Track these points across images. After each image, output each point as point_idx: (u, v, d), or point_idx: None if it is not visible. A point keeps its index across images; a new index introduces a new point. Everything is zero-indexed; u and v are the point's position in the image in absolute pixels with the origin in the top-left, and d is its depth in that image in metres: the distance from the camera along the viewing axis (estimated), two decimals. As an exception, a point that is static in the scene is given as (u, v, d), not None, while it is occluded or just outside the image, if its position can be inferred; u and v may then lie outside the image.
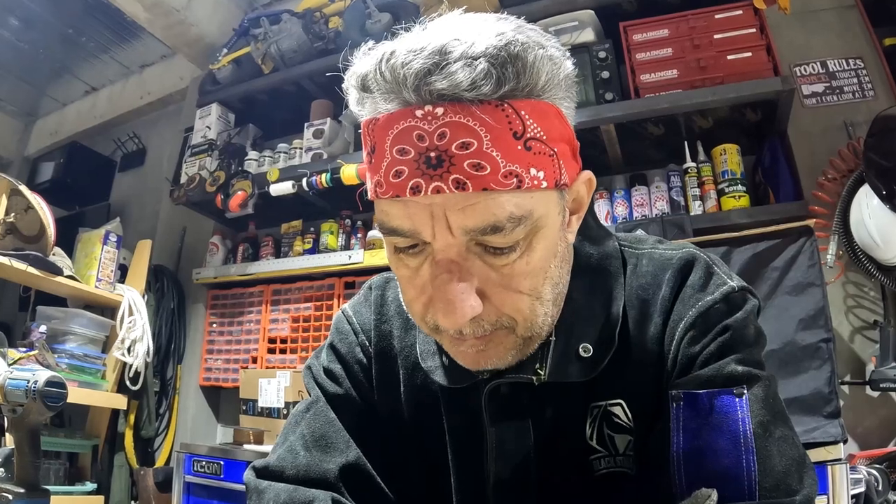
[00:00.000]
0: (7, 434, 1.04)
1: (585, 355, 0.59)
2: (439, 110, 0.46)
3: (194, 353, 2.68)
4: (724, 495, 0.49)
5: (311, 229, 2.55)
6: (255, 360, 2.49)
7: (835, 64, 2.02)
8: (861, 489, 1.36)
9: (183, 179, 2.65)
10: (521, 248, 0.51)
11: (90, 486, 2.25)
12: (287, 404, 2.18)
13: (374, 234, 2.31)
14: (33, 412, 0.98)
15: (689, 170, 1.98)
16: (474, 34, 0.47)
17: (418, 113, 0.47)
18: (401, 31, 0.51)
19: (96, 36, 3.26)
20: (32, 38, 3.20)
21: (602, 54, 2.00)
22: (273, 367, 2.39)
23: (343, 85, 0.52)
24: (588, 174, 0.58)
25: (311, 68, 2.50)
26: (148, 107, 3.48)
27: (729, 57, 1.86)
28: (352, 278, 2.38)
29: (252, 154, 2.63)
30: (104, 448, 2.37)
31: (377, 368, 0.70)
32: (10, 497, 0.97)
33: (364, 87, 0.50)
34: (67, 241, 2.40)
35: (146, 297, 2.51)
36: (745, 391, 0.53)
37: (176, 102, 3.33)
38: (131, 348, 2.34)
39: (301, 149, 2.52)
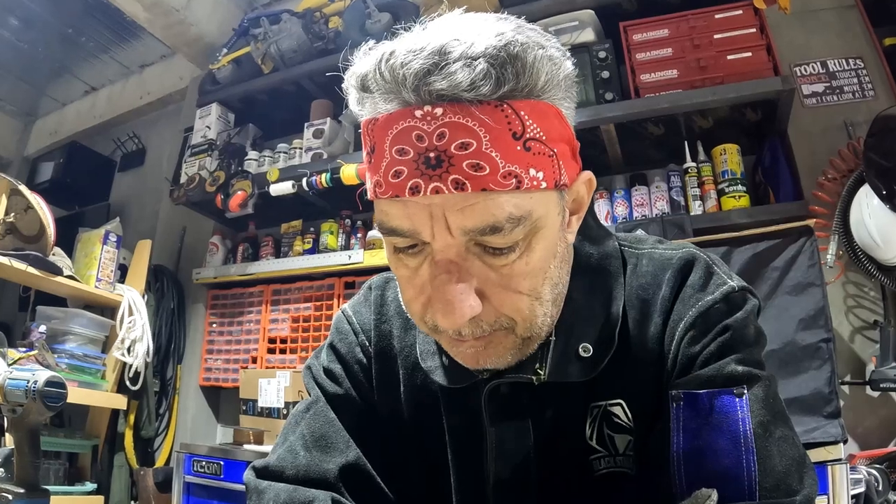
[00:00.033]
0: (7, 434, 1.04)
1: (585, 355, 0.59)
2: (439, 110, 0.46)
3: (194, 353, 2.68)
4: (725, 495, 0.49)
5: (311, 229, 2.55)
6: (254, 360, 2.49)
7: (835, 64, 2.02)
8: (861, 489, 1.36)
9: (183, 179, 2.65)
10: (521, 249, 0.51)
11: (90, 486, 2.24)
12: (287, 404, 2.18)
13: (374, 234, 2.31)
14: (33, 412, 0.98)
15: (689, 170, 1.98)
16: (474, 34, 0.47)
17: (418, 113, 0.47)
18: (401, 30, 0.51)
19: (96, 36, 3.26)
20: (32, 38, 3.20)
21: (602, 54, 2.00)
22: (273, 367, 2.39)
23: (343, 85, 0.52)
24: (588, 174, 0.58)
25: (311, 68, 2.50)
26: (148, 107, 3.48)
27: (729, 57, 1.86)
28: (352, 278, 2.38)
29: (252, 154, 2.63)
30: (104, 448, 2.37)
31: (377, 368, 0.70)
32: (10, 497, 0.97)
33: (364, 87, 0.50)
34: (67, 241, 2.40)
35: (146, 297, 2.51)
36: (746, 391, 0.53)
37: (176, 102, 3.33)
38: (131, 348, 2.34)
39: (301, 149, 2.52)
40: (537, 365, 0.58)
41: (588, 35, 2.05)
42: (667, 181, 2.01)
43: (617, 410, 0.60)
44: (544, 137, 0.49)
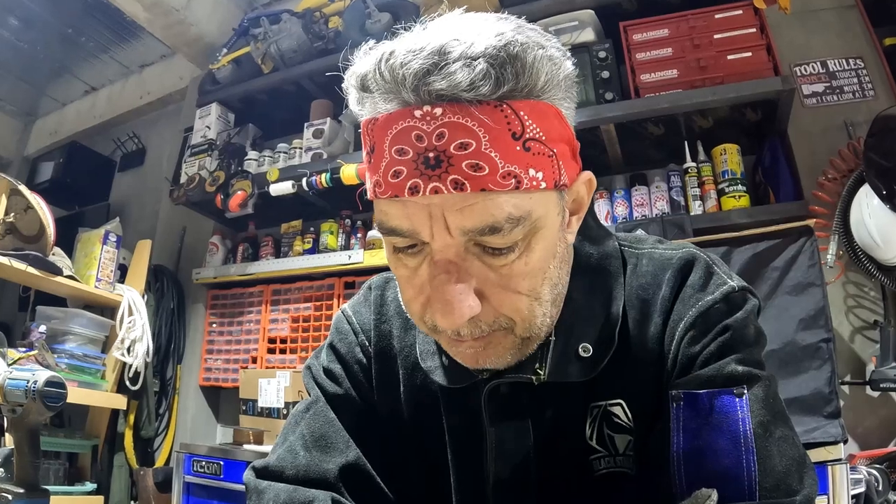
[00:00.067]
0: (7, 434, 1.04)
1: (585, 355, 0.59)
2: (438, 111, 0.46)
3: (194, 353, 2.68)
4: (725, 495, 0.49)
5: (311, 229, 2.55)
6: (254, 360, 2.49)
7: (835, 64, 2.02)
8: (861, 489, 1.36)
9: (183, 179, 2.65)
10: (520, 249, 0.51)
11: (90, 486, 2.24)
12: (287, 404, 2.18)
13: (374, 233, 2.31)
14: (33, 412, 0.98)
15: (689, 170, 1.98)
16: (474, 34, 0.47)
17: (417, 113, 0.47)
18: (401, 30, 0.51)
19: (96, 36, 3.26)
20: (32, 38, 3.20)
21: (602, 54, 2.00)
22: (273, 367, 2.39)
23: (343, 85, 0.52)
24: (588, 175, 0.57)
25: (311, 68, 2.50)
26: (147, 107, 3.48)
27: (729, 57, 1.86)
28: (352, 278, 2.38)
29: (252, 154, 2.63)
30: (104, 448, 2.37)
31: (377, 368, 0.70)
32: (10, 497, 0.97)
33: (364, 87, 0.50)
34: (67, 241, 2.40)
35: (146, 297, 2.51)
36: (746, 391, 0.53)
37: (175, 102, 3.33)
38: (131, 348, 2.34)
39: (301, 149, 2.52)
40: (537, 365, 0.58)
41: (588, 35, 2.05)
42: (667, 181, 2.01)
43: (617, 410, 0.60)
44: (544, 138, 0.49)
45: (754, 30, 1.87)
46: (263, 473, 0.64)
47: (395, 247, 0.53)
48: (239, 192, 2.38)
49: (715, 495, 0.48)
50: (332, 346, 0.72)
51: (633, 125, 1.97)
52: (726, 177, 1.91)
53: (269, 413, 2.22)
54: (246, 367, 2.45)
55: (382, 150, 0.49)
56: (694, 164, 1.98)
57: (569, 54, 0.53)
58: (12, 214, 2.13)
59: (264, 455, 0.67)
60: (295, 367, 2.32)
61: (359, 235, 2.41)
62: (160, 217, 3.03)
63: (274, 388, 2.22)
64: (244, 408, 2.31)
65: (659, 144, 2.08)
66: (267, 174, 2.39)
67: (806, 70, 2.04)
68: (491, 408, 0.61)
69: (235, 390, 2.44)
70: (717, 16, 1.91)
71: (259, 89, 2.68)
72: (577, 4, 2.08)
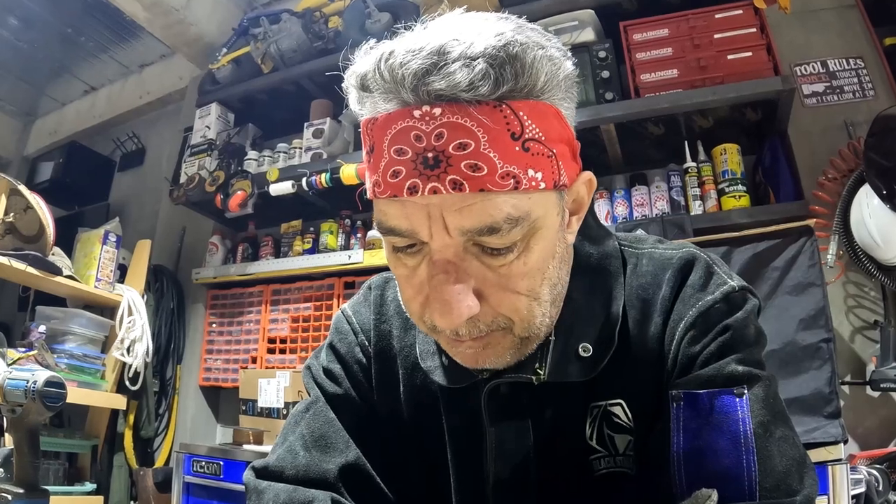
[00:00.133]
0: (6, 434, 1.04)
1: (585, 355, 0.59)
2: (437, 111, 0.46)
3: (194, 353, 2.68)
4: (725, 495, 0.49)
5: (311, 229, 2.55)
6: (254, 361, 2.49)
7: (835, 63, 2.02)
8: (861, 489, 1.36)
9: (182, 179, 2.65)
10: (519, 249, 0.50)
11: (89, 486, 2.24)
12: (287, 404, 2.18)
13: (374, 233, 2.30)
14: (32, 412, 0.98)
15: (689, 169, 1.98)
16: (474, 34, 0.47)
17: (416, 113, 0.46)
18: (401, 30, 0.51)
19: (95, 35, 3.25)
20: (32, 38, 3.20)
21: (602, 54, 2.00)
22: (273, 368, 2.39)
23: (343, 84, 0.52)
24: (588, 175, 0.57)
25: (311, 68, 2.50)
26: (147, 106, 3.48)
27: (729, 56, 1.86)
28: (351, 278, 2.38)
29: (252, 154, 2.63)
30: (103, 448, 2.37)
31: (377, 368, 0.70)
32: (10, 497, 0.97)
33: (364, 87, 0.50)
34: (67, 241, 2.40)
35: (145, 296, 2.51)
36: (746, 391, 0.53)
37: (175, 102, 3.33)
38: (130, 348, 2.33)
39: (301, 148, 2.52)
40: (537, 365, 0.58)
41: (588, 35, 2.05)
42: (667, 181, 2.01)
43: (617, 410, 0.60)
44: (543, 138, 0.49)
45: (754, 30, 1.87)
46: (263, 473, 0.64)
47: (395, 246, 0.53)
48: (239, 192, 2.38)
49: (715, 495, 0.48)
50: (331, 346, 0.72)
51: (633, 125, 1.97)
52: (726, 177, 1.91)
53: (269, 413, 2.22)
54: (246, 367, 2.45)
55: (382, 149, 0.49)
56: (694, 164, 1.98)
57: (569, 54, 0.53)
58: (12, 214, 2.13)
59: (264, 455, 0.67)
60: (295, 367, 2.32)
61: (358, 235, 2.41)
62: (160, 217, 3.03)
63: (274, 388, 2.22)
64: (244, 408, 2.31)
65: (659, 144, 2.08)
66: (267, 174, 2.39)
67: (806, 70, 2.04)
68: (491, 408, 0.61)
69: (235, 390, 2.43)
70: (717, 15, 1.91)
71: (259, 89, 2.68)
72: (577, 4, 2.08)
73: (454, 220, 0.48)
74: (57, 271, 2.15)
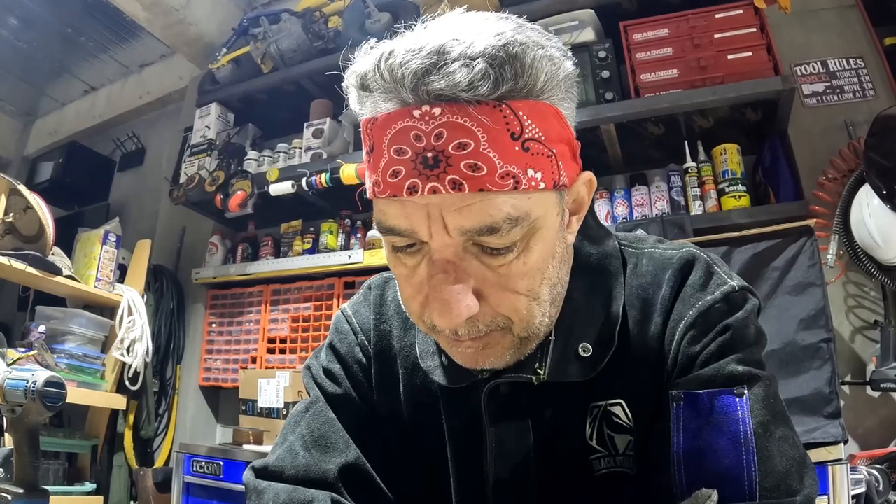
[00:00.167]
0: (6, 434, 1.04)
1: (585, 355, 0.59)
2: (437, 110, 0.46)
3: (193, 353, 2.68)
4: (725, 496, 0.49)
5: (311, 229, 2.54)
6: (254, 361, 2.48)
7: (835, 63, 2.02)
8: (862, 489, 1.36)
9: (182, 179, 2.65)
10: (518, 249, 0.50)
11: (89, 486, 2.24)
12: (286, 404, 2.18)
13: (374, 233, 2.30)
14: (32, 412, 0.98)
15: (689, 169, 1.98)
16: (473, 34, 0.47)
17: (416, 113, 0.46)
18: (401, 30, 0.51)
19: (95, 35, 3.25)
20: (32, 38, 3.20)
21: (602, 54, 2.00)
22: (272, 368, 2.39)
23: (343, 84, 0.52)
24: (588, 175, 0.57)
25: (311, 68, 2.50)
26: (147, 106, 3.48)
27: (729, 56, 1.86)
28: (351, 278, 2.38)
29: (251, 154, 2.63)
30: (103, 448, 2.37)
31: (376, 368, 0.70)
32: (9, 497, 0.97)
33: (364, 87, 0.50)
34: (66, 241, 2.40)
35: (145, 296, 2.51)
36: (746, 391, 0.53)
37: (175, 102, 3.33)
38: (130, 348, 2.33)
39: (300, 148, 2.52)
40: (537, 365, 0.58)
41: (588, 35, 2.05)
42: (667, 181, 2.01)
43: (617, 410, 0.60)
44: (543, 138, 0.49)
45: (754, 29, 1.87)
46: (263, 473, 0.64)
47: (394, 246, 0.53)
48: (238, 192, 2.38)
49: (715, 495, 0.48)
50: (331, 346, 0.72)
51: (633, 125, 1.97)
52: (726, 177, 1.91)
53: (269, 413, 2.21)
54: (245, 368, 2.44)
55: (381, 149, 0.49)
56: (694, 164, 1.98)
57: (569, 54, 0.53)
58: (12, 214, 2.13)
59: (264, 455, 0.67)
60: (295, 368, 2.32)
61: (358, 235, 2.41)
62: (160, 217, 3.03)
63: (273, 388, 2.22)
64: (244, 408, 2.31)
65: (659, 144, 2.08)
66: (266, 174, 2.39)
67: (806, 70, 2.04)
68: (491, 408, 0.61)
69: (235, 390, 2.43)
70: (717, 15, 1.91)
71: (259, 89, 2.68)
72: (578, 4, 2.08)
73: (454, 220, 0.48)
74: (57, 271, 2.15)
